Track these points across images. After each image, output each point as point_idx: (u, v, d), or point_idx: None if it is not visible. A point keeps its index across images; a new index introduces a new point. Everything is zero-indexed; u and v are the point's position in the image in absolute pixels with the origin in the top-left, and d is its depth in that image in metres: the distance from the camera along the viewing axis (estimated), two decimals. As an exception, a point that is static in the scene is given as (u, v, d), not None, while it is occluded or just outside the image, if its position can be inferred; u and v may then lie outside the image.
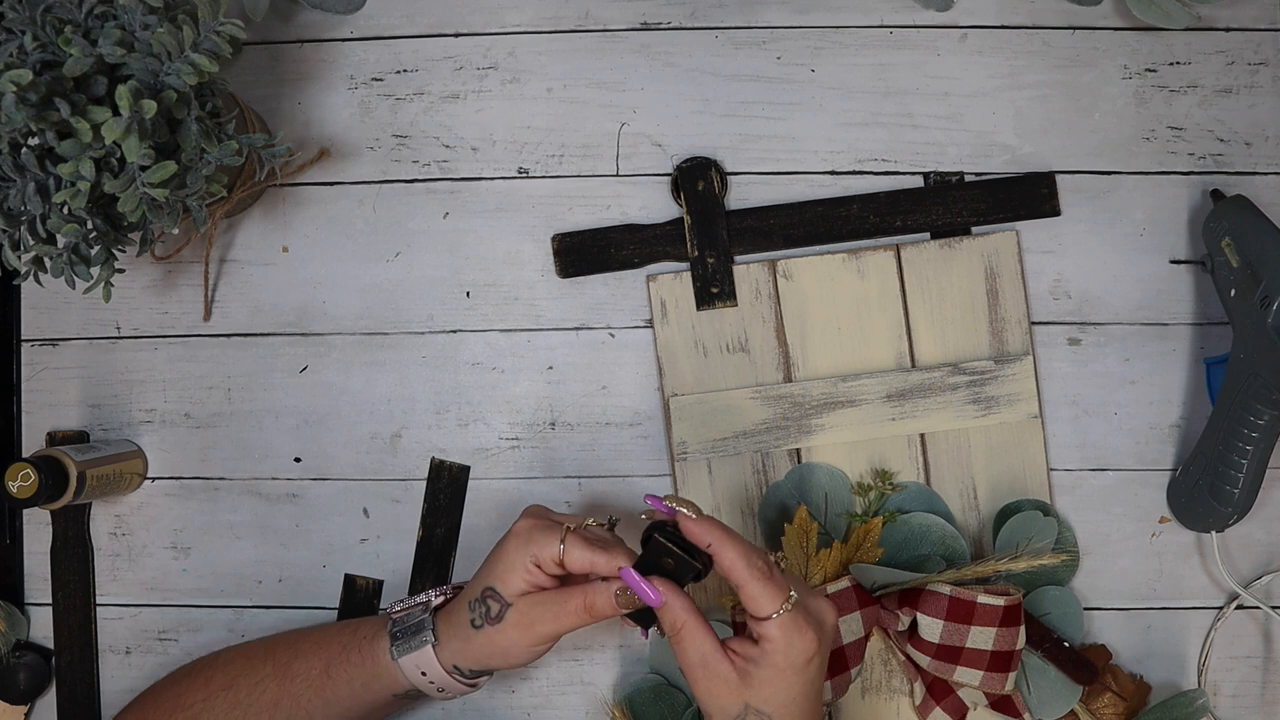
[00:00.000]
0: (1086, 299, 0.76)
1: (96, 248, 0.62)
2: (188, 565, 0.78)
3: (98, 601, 0.78)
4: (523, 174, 0.78)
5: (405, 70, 0.78)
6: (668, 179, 0.77)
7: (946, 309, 0.75)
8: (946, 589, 0.68)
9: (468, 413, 0.77)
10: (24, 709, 0.77)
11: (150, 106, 0.56)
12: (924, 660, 0.70)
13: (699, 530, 0.59)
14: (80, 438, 0.78)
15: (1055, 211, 0.76)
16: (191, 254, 0.78)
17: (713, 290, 0.76)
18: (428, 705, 0.76)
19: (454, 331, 0.78)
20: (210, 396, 0.78)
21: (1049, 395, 0.76)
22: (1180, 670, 0.75)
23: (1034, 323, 0.76)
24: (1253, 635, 0.75)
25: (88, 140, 0.57)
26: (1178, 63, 0.77)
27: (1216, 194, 0.75)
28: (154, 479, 0.78)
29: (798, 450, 0.75)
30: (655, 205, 0.77)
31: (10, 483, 0.67)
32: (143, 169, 0.59)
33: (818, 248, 0.76)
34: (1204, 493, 0.71)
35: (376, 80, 0.78)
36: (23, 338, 0.79)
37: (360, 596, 0.77)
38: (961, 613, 0.67)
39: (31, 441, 0.78)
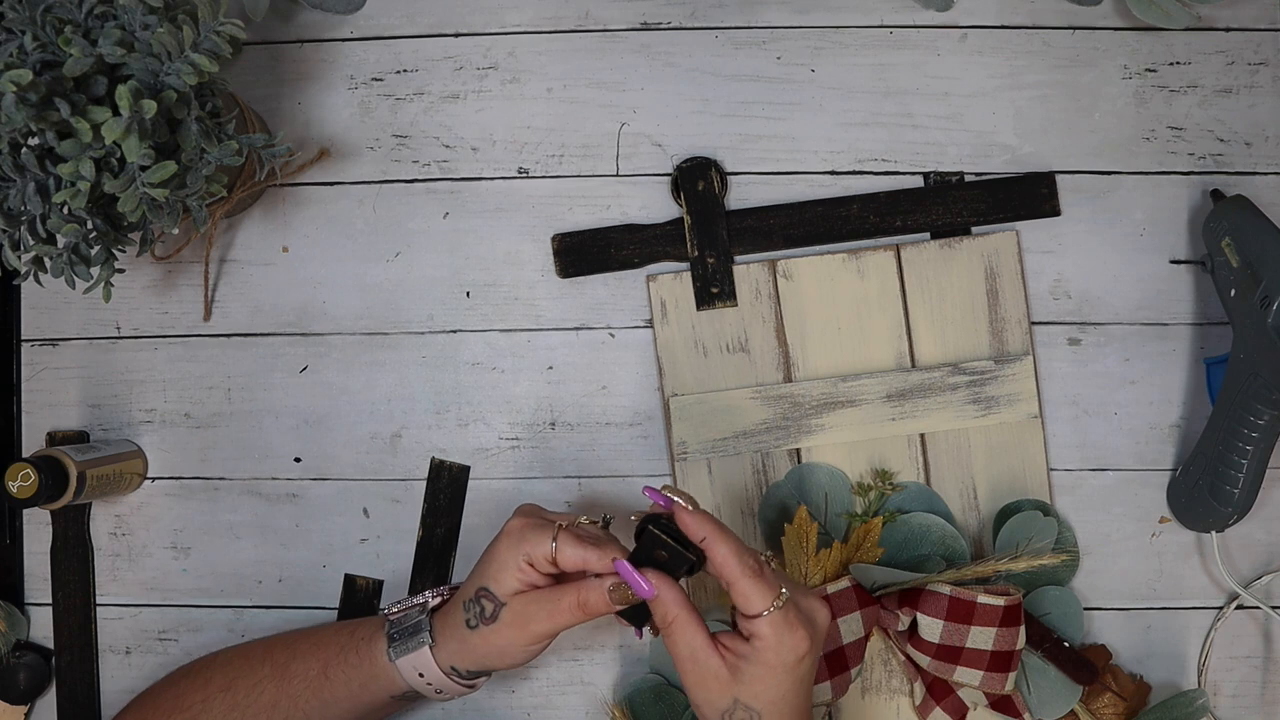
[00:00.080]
0: (1086, 299, 0.76)
1: (96, 248, 0.62)
2: (188, 565, 0.78)
3: (98, 601, 0.78)
4: (523, 174, 0.78)
5: (405, 70, 0.78)
6: (668, 179, 0.77)
7: (946, 309, 0.75)
8: (946, 589, 0.68)
9: (468, 413, 0.77)
10: (24, 709, 0.77)
11: (150, 106, 0.56)
12: (924, 660, 0.70)
13: (693, 523, 0.59)
14: (80, 438, 0.78)
15: (1055, 211, 0.76)
16: (191, 254, 0.78)
17: (713, 290, 0.76)
18: (427, 706, 0.76)
19: (454, 331, 0.78)
20: (210, 396, 0.78)
21: (1049, 395, 0.76)
22: (1180, 670, 0.75)
23: (1034, 323, 0.76)
24: (1253, 635, 0.75)
25: (88, 140, 0.57)
26: (1178, 63, 0.77)
27: (1216, 194, 0.75)
28: (154, 479, 0.78)
29: (798, 450, 0.75)
30: (655, 205, 0.77)
31: (10, 483, 0.67)
32: (143, 169, 0.59)
33: (818, 248, 0.76)
34: (1204, 493, 0.71)
35: (376, 80, 0.78)
36: (23, 338, 0.79)
37: (360, 596, 0.77)
38: (961, 613, 0.67)
39: (31, 441, 0.78)
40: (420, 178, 0.78)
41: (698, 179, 0.76)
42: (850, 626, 0.70)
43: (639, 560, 0.60)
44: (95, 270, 0.63)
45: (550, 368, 0.77)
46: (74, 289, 0.63)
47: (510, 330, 0.77)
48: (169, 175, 0.59)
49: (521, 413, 0.77)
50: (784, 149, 0.77)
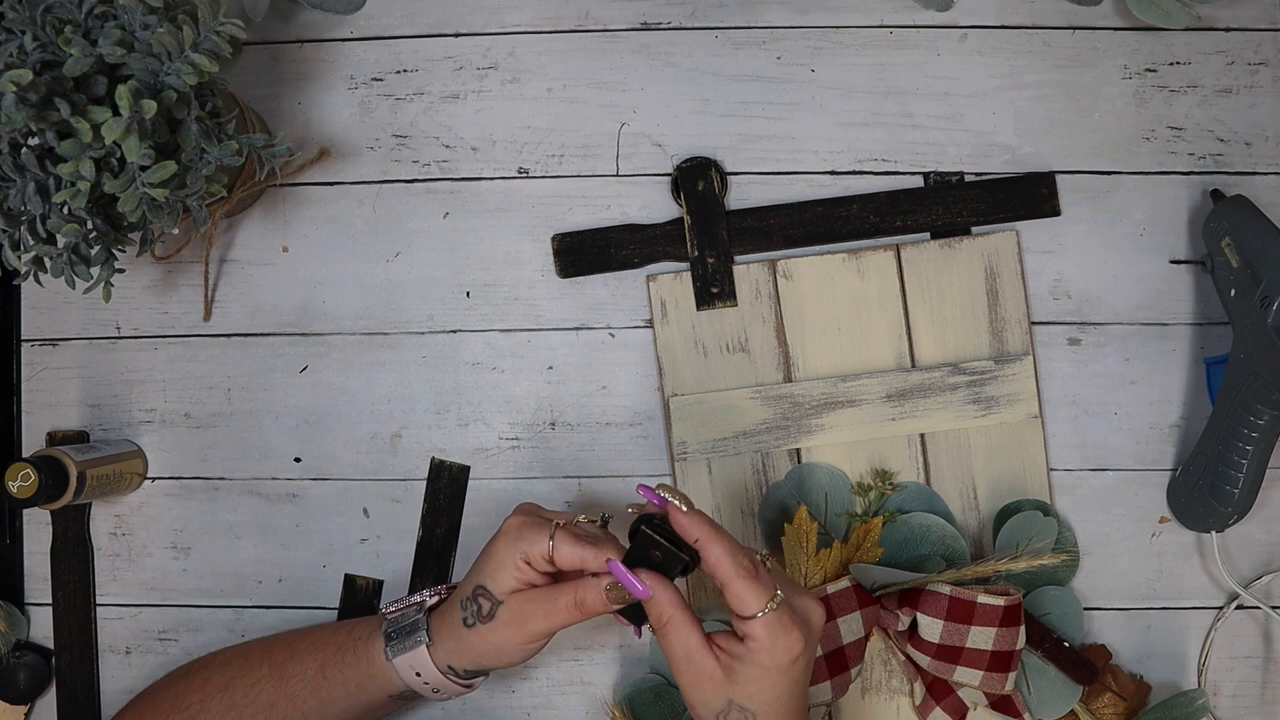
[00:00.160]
0: (1086, 299, 0.76)
1: (96, 248, 0.62)
2: (188, 565, 0.78)
3: (98, 601, 0.78)
4: (523, 174, 0.78)
5: (405, 70, 0.78)
6: (668, 179, 0.77)
7: (946, 309, 0.75)
8: (946, 589, 0.68)
9: (468, 413, 0.77)
10: (24, 709, 0.77)
11: (150, 106, 0.56)
12: (924, 660, 0.70)
13: (688, 524, 0.58)
14: (80, 438, 0.78)
15: (1055, 211, 0.76)
16: (191, 254, 0.78)
17: (713, 290, 0.76)
18: (426, 706, 0.76)
19: (454, 331, 0.78)
20: (210, 396, 0.78)
21: (1049, 395, 0.76)
22: (1180, 670, 0.75)
23: (1034, 323, 0.76)
24: (1253, 635, 0.75)
25: (88, 140, 0.57)
26: (1178, 63, 0.77)
27: (1216, 194, 0.75)
28: (154, 479, 0.78)
29: (798, 450, 0.75)
30: (655, 205, 0.77)
31: (10, 483, 0.68)
32: (143, 169, 0.59)
33: (818, 248, 0.76)
34: (1204, 493, 0.71)
35: (376, 80, 0.78)
36: (23, 338, 0.79)
37: (360, 596, 0.77)
38: (961, 613, 0.67)
39: (31, 441, 0.78)
40: (420, 178, 0.78)
41: (698, 179, 0.76)
42: (850, 626, 0.70)
43: (633, 560, 0.60)
44: (95, 270, 0.63)
45: (550, 368, 0.77)
46: (74, 289, 0.63)
47: (510, 330, 0.77)
48: (169, 175, 0.59)
49: (521, 413, 0.77)
50: (784, 149, 0.77)
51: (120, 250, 0.64)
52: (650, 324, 0.77)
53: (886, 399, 0.75)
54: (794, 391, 0.75)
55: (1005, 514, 0.74)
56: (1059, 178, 0.76)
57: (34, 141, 0.59)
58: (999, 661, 0.68)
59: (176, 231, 0.65)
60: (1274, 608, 0.74)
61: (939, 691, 0.72)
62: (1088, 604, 0.75)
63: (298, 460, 0.78)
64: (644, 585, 0.58)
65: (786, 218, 0.76)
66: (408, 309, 0.78)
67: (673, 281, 0.76)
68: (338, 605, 0.77)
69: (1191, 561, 0.75)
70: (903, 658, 0.73)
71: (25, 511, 0.78)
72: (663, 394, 0.76)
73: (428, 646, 0.64)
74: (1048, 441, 0.75)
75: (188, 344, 0.78)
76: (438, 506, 0.77)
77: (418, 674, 0.65)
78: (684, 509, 0.59)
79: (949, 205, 0.76)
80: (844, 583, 0.71)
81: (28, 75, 0.54)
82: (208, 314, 0.78)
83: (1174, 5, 0.73)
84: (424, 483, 0.77)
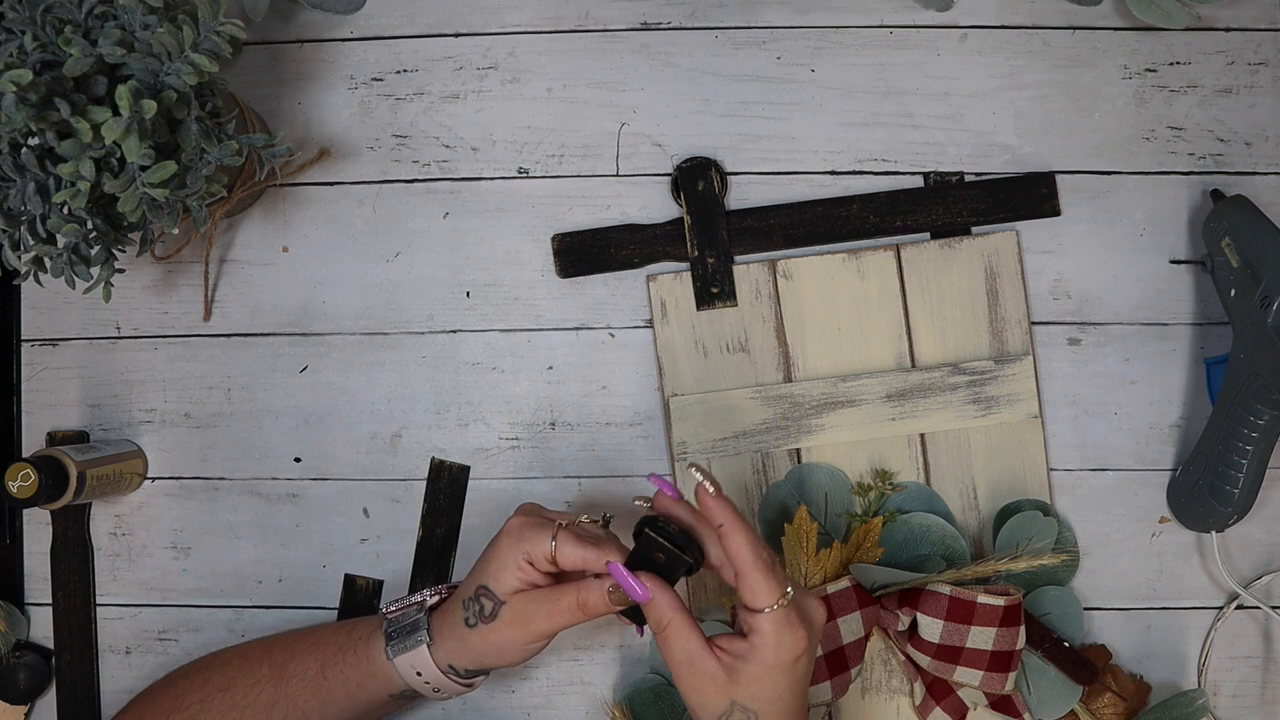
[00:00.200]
0: (1086, 299, 0.76)
1: (96, 248, 0.62)
2: (188, 565, 0.78)
3: (98, 601, 0.78)
4: (523, 174, 0.78)
5: (405, 70, 0.78)
6: (668, 179, 0.77)
7: (946, 309, 0.75)
8: (946, 589, 0.68)
9: (468, 413, 0.77)
10: (24, 709, 0.77)
11: (150, 106, 0.56)
12: (924, 660, 0.70)
13: (715, 508, 0.57)
14: (80, 438, 0.78)
15: (1055, 211, 0.76)
16: (191, 254, 0.78)
17: (713, 290, 0.76)
18: (426, 705, 0.76)
19: (454, 331, 0.78)
20: (210, 396, 0.78)
21: (1049, 395, 0.76)
22: (1180, 670, 0.75)
23: (1034, 323, 0.76)
24: (1253, 635, 0.75)
25: (88, 140, 0.57)
26: (1178, 63, 0.77)
27: (1216, 194, 0.75)
28: (154, 479, 0.78)
29: (798, 450, 0.75)
30: (655, 205, 0.77)
31: (10, 483, 0.68)
32: (143, 169, 0.59)
33: (818, 248, 0.76)
34: (1204, 493, 0.71)
35: (376, 80, 0.78)
36: (23, 338, 0.79)
37: (360, 596, 0.77)
38: (961, 613, 0.67)
39: (31, 441, 0.78)
40: (420, 178, 0.78)
41: (698, 179, 0.76)
42: (850, 626, 0.70)
43: (636, 562, 0.60)
44: (95, 270, 0.63)
45: (550, 368, 0.77)
46: (74, 289, 0.63)
47: (510, 330, 0.77)
48: (169, 175, 0.59)
49: (521, 413, 0.77)
50: (784, 149, 0.77)
51: (120, 250, 0.64)
52: (650, 324, 0.77)
53: (886, 399, 0.75)
54: (794, 391, 0.75)
55: (1005, 514, 0.74)
56: (1059, 178, 0.76)
57: (34, 141, 0.59)
58: (999, 661, 0.68)
59: (176, 231, 0.65)
60: (1274, 608, 0.74)
61: (939, 691, 0.72)
62: (1088, 604, 0.75)
63: (298, 460, 0.78)
64: (644, 588, 0.58)
65: (786, 218, 0.76)
66: (408, 309, 0.78)
67: (673, 281, 0.76)
68: (338, 605, 0.77)
69: (1191, 561, 0.75)
70: (903, 658, 0.73)
71: (25, 511, 0.78)
72: (663, 394, 0.76)
73: (428, 646, 0.64)
74: (1048, 441, 0.75)
75: (188, 344, 0.78)
76: (438, 506, 0.77)
77: (418, 673, 0.65)
78: (712, 491, 0.58)
79: (949, 205, 0.76)
80: (844, 583, 0.71)
81: (28, 75, 0.54)
82: (208, 314, 0.78)
83: (1174, 5, 0.73)
84: (424, 483, 0.77)
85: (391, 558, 0.77)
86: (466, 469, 0.77)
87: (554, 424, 0.77)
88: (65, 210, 0.60)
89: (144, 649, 0.78)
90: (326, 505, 0.77)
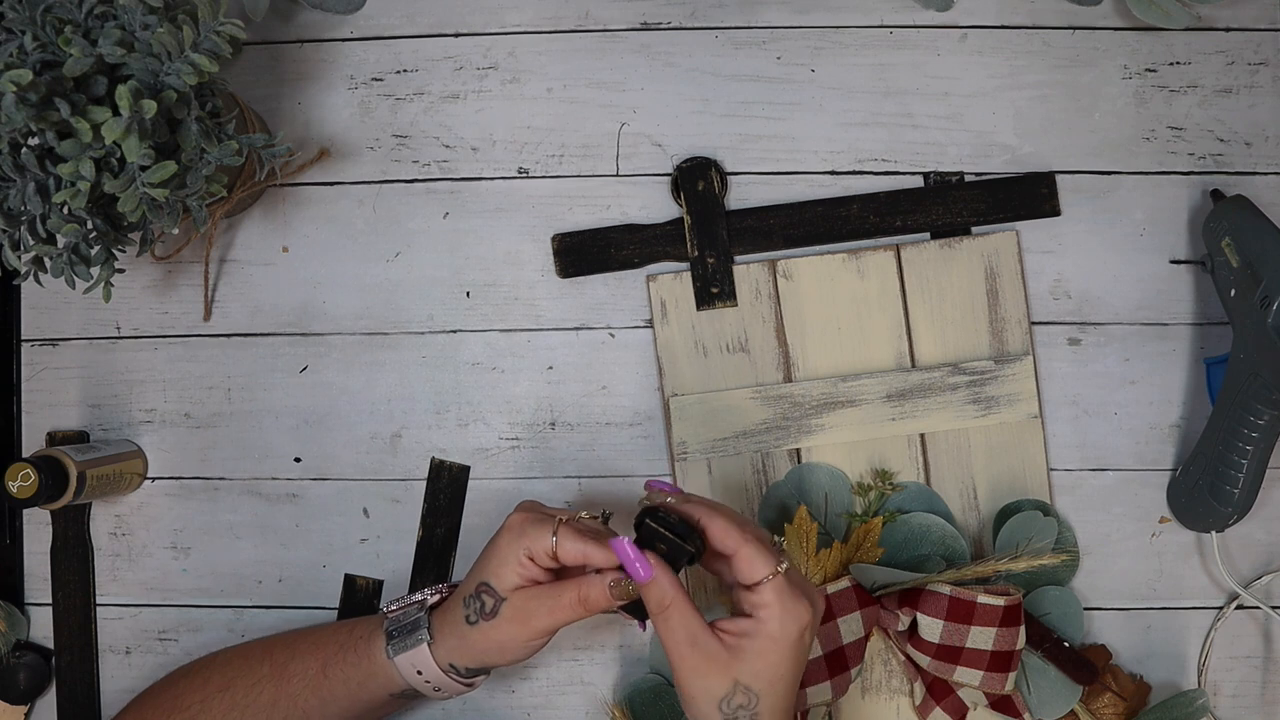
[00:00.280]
0: (1086, 299, 0.76)
1: (96, 248, 0.62)
2: (188, 565, 0.78)
3: (98, 601, 0.78)
4: (523, 174, 0.78)
5: (405, 70, 0.78)
6: (668, 179, 0.77)
7: (946, 309, 0.75)
8: (946, 589, 0.68)
9: (468, 413, 0.77)
10: (24, 709, 0.77)
11: (150, 106, 0.56)
12: (924, 660, 0.70)
13: (687, 507, 0.60)
14: (80, 438, 0.78)
15: (1055, 211, 0.76)
16: (191, 254, 0.78)
17: (713, 290, 0.76)
18: (427, 705, 0.76)
19: (454, 331, 0.78)
20: (210, 396, 0.78)
21: (1049, 395, 0.76)
22: (1180, 670, 0.75)
23: (1034, 323, 0.76)
24: (1253, 635, 0.75)
25: (88, 140, 0.57)
26: (1178, 63, 0.77)
27: (1216, 194, 0.75)
28: (154, 479, 0.78)
29: (798, 450, 0.75)
30: (655, 205, 0.77)
31: (10, 483, 0.68)
32: (143, 169, 0.59)
33: (818, 248, 0.76)
34: (1204, 493, 0.71)
35: (376, 80, 0.78)
36: (23, 338, 0.79)
37: (360, 596, 0.77)
38: (961, 613, 0.67)
39: (31, 441, 0.78)
40: (420, 178, 0.78)
41: (698, 179, 0.76)
42: (850, 626, 0.70)
43: None
44: (95, 270, 0.63)
45: (550, 368, 0.77)
46: (74, 289, 0.63)
47: (510, 330, 0.77)
48: (169, 175, 0.59)
49: (521, 413, 0.77)
50: (784, 149, 0.77)
51: (120, 250, 0.64)
52: (650, 324, 0.77)
53: (886, 399, 0.75)
54: (794, 391, 0.75)
55: (1005, 514, 0.74)
56: (1059, 178, 0.76)
57: (34, 141, 0.59)
58: (999, 661, 0.68)
59: (176, 231, 0.65)
60: (1274, 608, 0.74)
61: (939, 691, 0.72)
62: (1088, 604, 0.75)
63: (298, 460, 0.78)
64: (647, 567, 0.58)
65: (786, 218, 0.76)
66: (408, 309, 0.78)
67: (673, 281, 0.76)
68: (338, 605, 0.77)
69: (1191, 561, 0.75)
70: (903, 658, 0.73)
71: (25, 511, 0.78)
72: (663, 394, 0.76)
73: (429, 644, 0.64)
74: (1048, 441, 0.75)
75: (188, 344, 0.78)
76: (438, 506, 0.77)
77: (419, 672, 0.65)
78: (673, 501, 0.60)
79: (949, 205, 0.76)
80: (844, 583, 0.71)
81: (28, 75, 0.54)
82: (208, 314, 0.78)
83: (1174, 5, 0.73)
84: (424, 483, 0.77)
85: (391, 558, 0.77)
86: (466, 469, 0.77)
87: (554, 424, 0.77)
88: (65, 210, 0.60)
89: (144, 649, 0.78)
90: (326, 505, 0.77)
